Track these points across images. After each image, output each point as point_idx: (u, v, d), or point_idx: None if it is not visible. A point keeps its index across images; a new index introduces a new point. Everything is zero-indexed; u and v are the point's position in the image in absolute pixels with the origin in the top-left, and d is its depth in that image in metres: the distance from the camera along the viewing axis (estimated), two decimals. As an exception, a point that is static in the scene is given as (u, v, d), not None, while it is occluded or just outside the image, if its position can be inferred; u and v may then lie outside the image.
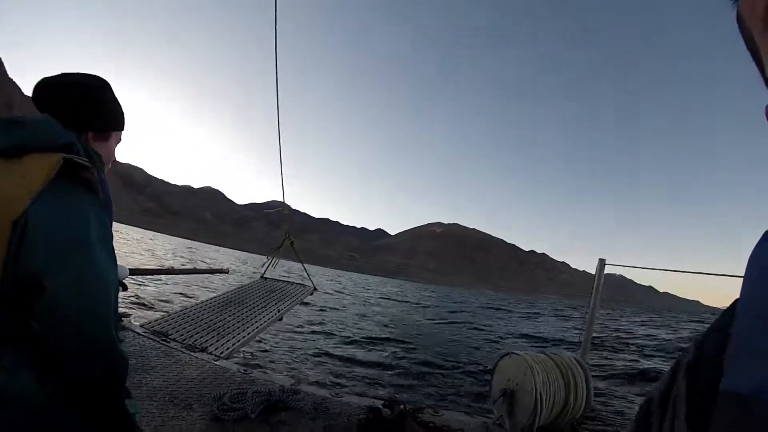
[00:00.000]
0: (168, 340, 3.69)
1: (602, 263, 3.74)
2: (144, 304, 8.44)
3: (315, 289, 6.39)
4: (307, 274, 6.65)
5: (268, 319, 4.67)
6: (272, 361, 6.41)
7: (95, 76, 1.10)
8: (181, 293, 11.11)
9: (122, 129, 1.20)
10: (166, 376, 2.88)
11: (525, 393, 2.73)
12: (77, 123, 1.01)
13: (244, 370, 3.29)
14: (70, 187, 0.85)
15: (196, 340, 3.81)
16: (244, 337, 4.05)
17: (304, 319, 11.22)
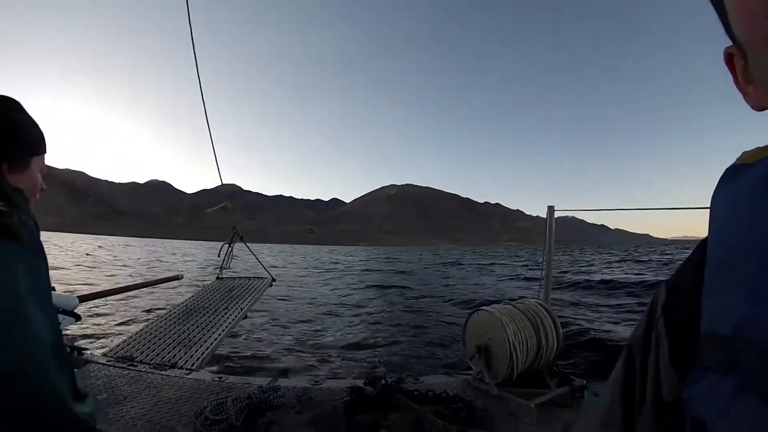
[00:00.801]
0: (135, 363, 3.52)
1: (551, 210, 3.89)
2: (103, 330, 8.00)
3: (273, 280, 6.37)
4: (263, 266, 6.62)
5: (233, 319, 4.62)
6: (245, 362, 6.31)
7: (2, 97, 0.93)
8: (140, 308, 10.60)
9: (44, 152, 1.03)
10: (142, 402, 2.74)
11: (499, 345, 2.84)
12: None
13: (219, 378, 3.20)
14: None
15: (164, 357, 3.68)
16: (212, 343, 3.97)
17: (268, 311, 11.05)
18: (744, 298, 0.32)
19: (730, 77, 0.39)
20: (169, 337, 4.11)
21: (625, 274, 20.94)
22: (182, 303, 5.23)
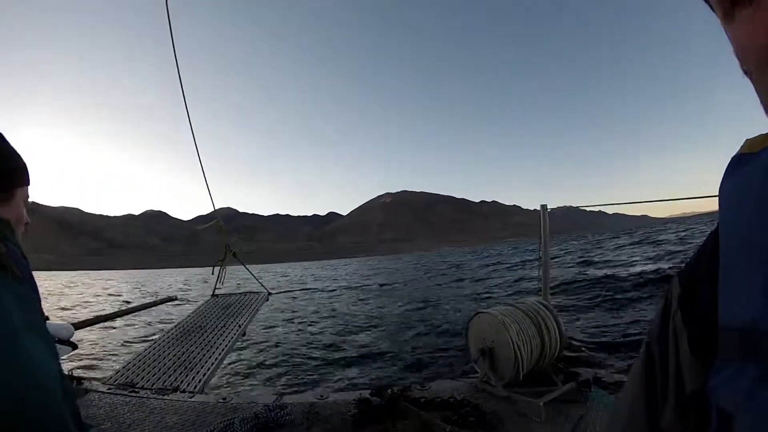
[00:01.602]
0: (136, 389, 3.47)
1: (544, 208, 3.92)
2: (100, 358, 7.87)
3: (269, 294, 6.33)
4: (258, 281, 6.59)
5: (232, 337, 4.57)
6: (249, 380, 6.24)
7: None
8: (136, 335, 10.46)
9: (28, 184, 1.00)
10: (146, 430, 2.69)
11: (502, 347, 2.83)
12: None
13: (224, 399, 3.16)
14: None
15: (165, 381, 3.64)
16: (213, 363, 3.93)
17: (265, 328, 10.96)
18: (760, 287, 0.32)
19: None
20: (169, 360, 4.06)
21: (625, 259, 20.93)
22: (179, 324, 5.17)
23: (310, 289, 26.42)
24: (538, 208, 3.95)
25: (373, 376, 6.26)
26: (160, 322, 11.52)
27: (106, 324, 10.57)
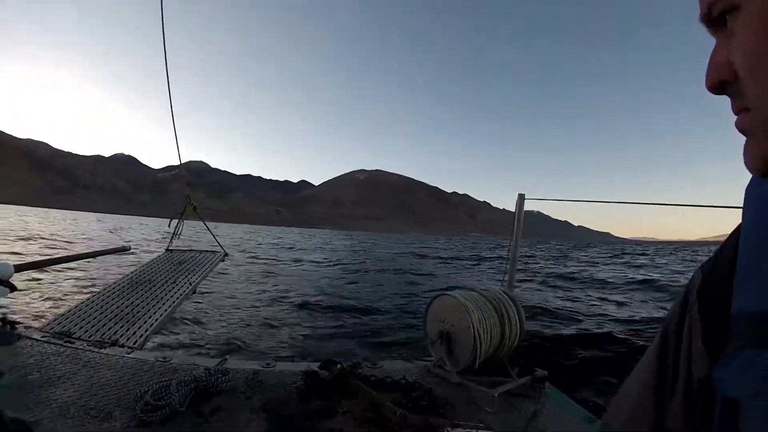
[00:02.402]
0: (72, 340, 3.23)
1: (522, 198, 3.85)
2: (40, 303, 7.45)
3: (226, 255, 6.13)
4: (215, 239, 6.39)
5: (180, 294, 4.37)
6: (192, 341, 6.04)
7: None
8: (82, 280, 9.98)
9: None
10: (77, 384, 2.48)
11: (462, 332, 2.76)
12: None
13: (164, 358, 2.96)
14: None
15: (104, 334, 3.41)
16: (156, 319, 3.74)
17: (218, 289, 10.70)
18: None
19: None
20: (111, 312, 3.85)
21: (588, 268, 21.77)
22: (127, 275, 4.94)
23: (273, 256, 26.09)
24: (507, 207, 3.89)
25: (325, 350, 6.16)
26: (109, 273, 11.07)
27: (51, 268, 10.03)
